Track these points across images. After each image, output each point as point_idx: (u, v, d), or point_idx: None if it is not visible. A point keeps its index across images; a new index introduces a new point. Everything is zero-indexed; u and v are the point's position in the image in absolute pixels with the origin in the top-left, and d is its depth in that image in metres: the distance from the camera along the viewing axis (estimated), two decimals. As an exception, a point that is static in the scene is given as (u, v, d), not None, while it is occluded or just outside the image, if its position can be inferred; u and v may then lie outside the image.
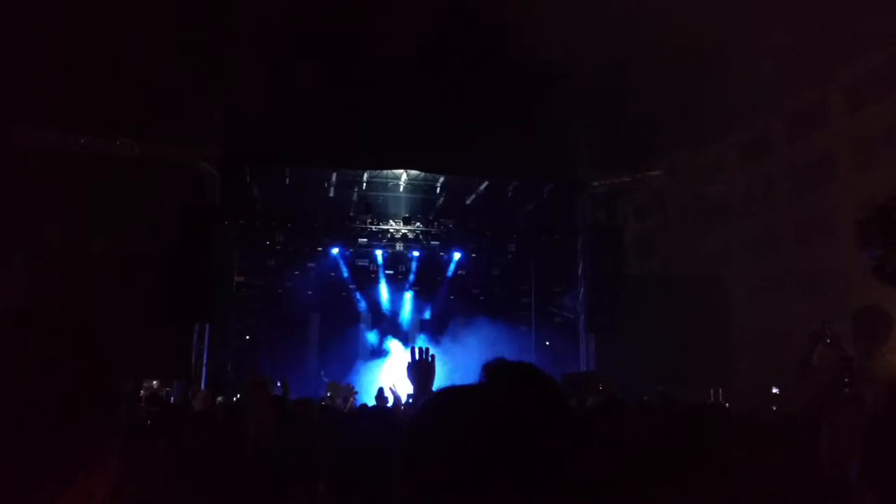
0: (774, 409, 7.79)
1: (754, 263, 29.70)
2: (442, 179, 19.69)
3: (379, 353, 20.70)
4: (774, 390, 11.37)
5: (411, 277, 21.63)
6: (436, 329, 21.46)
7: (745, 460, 2.44)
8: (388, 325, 21.64)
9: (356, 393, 10.74)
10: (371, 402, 9.86)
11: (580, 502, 2.05)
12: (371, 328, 21.57)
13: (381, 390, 10.43)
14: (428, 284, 21.83)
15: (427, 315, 22.07)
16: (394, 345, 20.76)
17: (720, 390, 17.95)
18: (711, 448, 2.43)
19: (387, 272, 21.53)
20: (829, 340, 4.27)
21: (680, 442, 2.48)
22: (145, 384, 16.60)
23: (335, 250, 20.66)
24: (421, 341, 20.71)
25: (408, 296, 21.90)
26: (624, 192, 22.73)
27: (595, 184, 19.44)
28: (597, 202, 19.79)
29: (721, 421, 2.61)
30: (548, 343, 20.27)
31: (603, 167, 19.42)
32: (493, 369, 1.91)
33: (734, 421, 2.71)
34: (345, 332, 20.87)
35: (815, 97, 27.98)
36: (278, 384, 8.32)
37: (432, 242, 20.81)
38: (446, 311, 21.87)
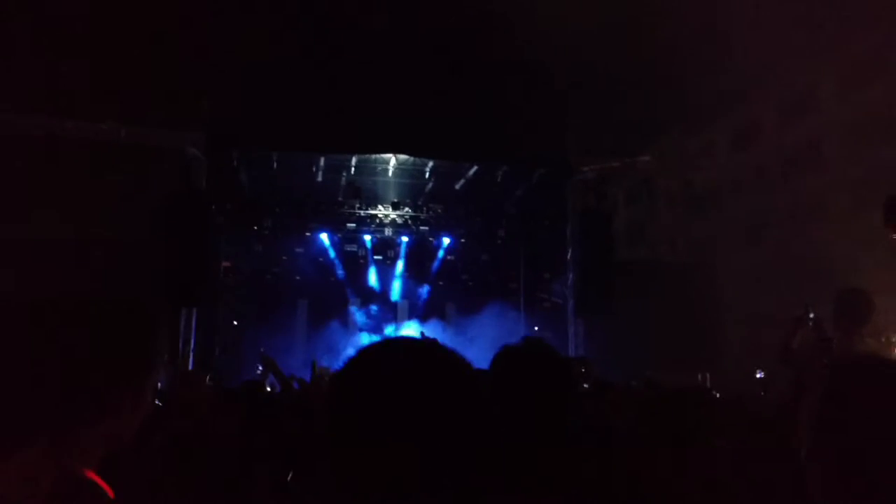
0: (763, 393, 7.79)
1: (743, 249, 29.80)
2: (431, 164, 19.59)
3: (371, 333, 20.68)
4: (759, 374, 11.43)
5: (400, 262, 21.61)
6: (425, 314, 21.49)
7: (727, 447, 2.40)
8: (378, 309, 21.63)
9: None
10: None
11: (560, 487, 2.02)
12: (360, 313, 21.53)
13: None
14: (417, 269, 21.82)
15: (417, 300, 22.05)
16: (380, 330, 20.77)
17: (708, 375, 18.02)
18: (694, 433, 2.39)
19: (376, 257, 21.50)
20: (810, 324, 4.26)
21: (663, 426, 2.44)
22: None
23: (323, 235, 20.59)
24: (412, 326, 20.77)
25: (397, 282, 21.88)
26: (613, 178, 22.72)
27: (585, 169, 19.41)
28: (586, 188, 19.77)
29: (704, 406, 2.58)
30: (536, 328, 20.27)
31: (592, 152, 19.38)
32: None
33: (717, 406, 2.68)
34: (334, 317, 20.83)
35: (805, 83, 27.99)
36: (259, 368, 8.26)
37: (421, 227, 20.78)
38: (436, 296, 21.90)
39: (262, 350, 8.83)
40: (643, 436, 2.36)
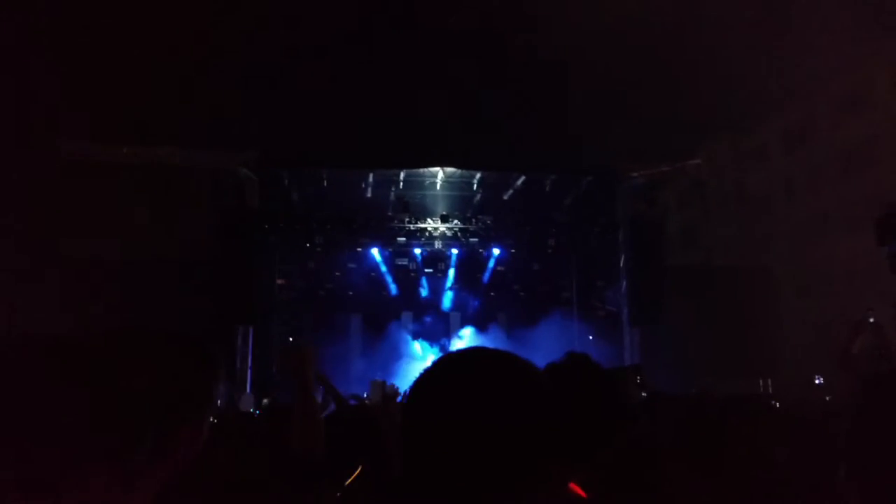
0: (827, 398, 7.60)
1: (800, 252, 29.06)
2: (479, 176, 19.63)
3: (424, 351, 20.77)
4: (818, 380, 11.13)
5: (451, 275, 21.65)
6: (478, 325, 21.48)
7: (786, 454, 2.38)
8: (431, 321, 21.70)
9: (399, 393, 10.73)
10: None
11: (613, 495, 2.03)
12: (413, 325, 21.62)
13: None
14: (468, 281, 21.83)
15: (469, 311, 22.05)
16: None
17: (769, 381, 17.61)
18: (751, 441, 2.38)
19: (426, 270, 21.59)
20: (870, 328, 4.16)
21: (717, 434, 2.43)
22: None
23: (374, 250, 20.77)
24: (468, 333, 20.85)
25: (448, 294, 21.93)
26: (664, 183, 22.43)
27: (634, 175, 19.22)
28: (636, 194, 19.57)
29: (761, 413, 2.56)
30: (591, 337, 20.09)
31: (641, 158, 19.20)
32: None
33: (775, 413, 2.65)
34: (387, 330, 20.96)
35: (857, 79, 27.25)
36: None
37: (471, 239, 20.78)
38: (488, 307, 21.86)
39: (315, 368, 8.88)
40: (694, 446, 2.35)
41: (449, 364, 1.27)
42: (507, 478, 1.12)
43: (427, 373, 1.25)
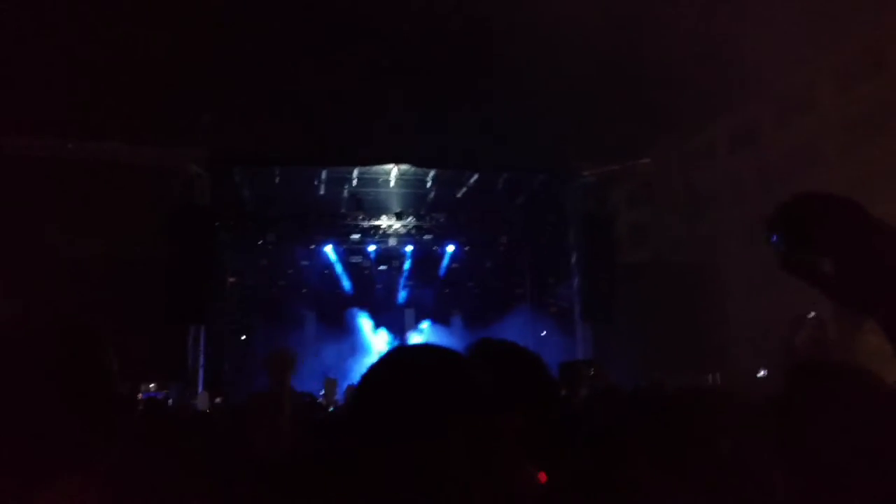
0: (769, 391, 7.79)
1: (747, 248, 29.78)
2: (432, 173, 19.66)
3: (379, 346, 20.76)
4: (761, 373, 11.45)
5: (405, 272, 21.68)
6: (432, 321, 21.59)
7: (729, 446, 2.46)
8: (386, 320, 21.69)
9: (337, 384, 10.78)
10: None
11: (569, 489, 2.08)
12: (368, 323, 21.59)
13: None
14: (423, 278, 21.89)
15: (424, 309, 22.11)
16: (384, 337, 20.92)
17: (717, 376, 18.02)
18: (696, 433, 2.45)
19: (381, 268, 21.57)
20: (812, 323, 4.31)
21: (669, 426, 2.50)
22: (143, 387, 16.68)
23: (328, 247, 20.67)
24: (425, 328, 20.91)
25: (403, 292, 21.96)
26: (614, 182, 22.78)
27: (585, 174, 19.46)
28: (587, 192, 19.82)
29: (706, 406, 2.63)
30: (544, 333, 20.30)
31: (592, 157, 19.44)
32: (476, 348, 1.91)
33: (720, 405, 2.74)
34: (340, 328, 20.90)
35: (802, 79, 28.03)
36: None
37: (425, 237, 20.83)
38: (442, 304, 21.97)
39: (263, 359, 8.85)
40: (644, 437, 2.42)
41: (399, 354, 1.32)
42: (451, 464, 1.14)
43: (379, 363, 1.28)
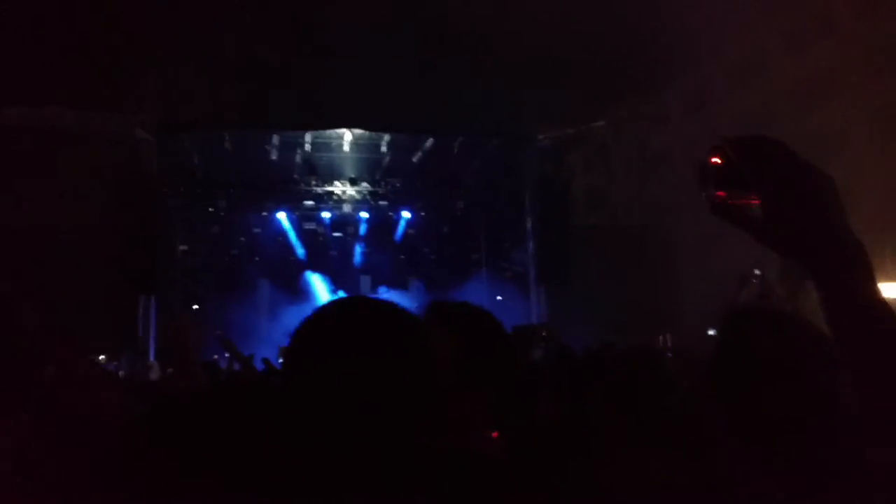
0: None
1: (699, 211, 30.10)
2: (387, 138, 19.44)
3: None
4: (710, 332, 11.67)
5: (360, 238, 21.52)
6: (388, 288, 21.50)
7: (677, 403, 2.45)
8: (341, 285, 21.55)
9: None
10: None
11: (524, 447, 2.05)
12: (323, 289, 21.43)
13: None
14: (378, 244, 21.76)
15: (379, 275, 22.01)
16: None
17: (668, 336, 18.33)
18: (646, 390, 2.43)
19: (335, 234, 21.37)
20: (755, 281, 4.35)
21: (615, 387, 2.48)
22: (92, 358, 16.35)
23: (281, 214, 20.37)
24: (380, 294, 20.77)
25: (358, 258, 21.81)
26: (570, 146, 22.80)
27: (540, 137, 19.46)
28: (543, 156, 19.84)
29: (655, 363, 2.63)
30: (499, 298, 20.41)
31: (548, 121, 19.40)
32: (430, 310, 1.89)
33: (667, 364, 2.75)
34: (295, 295, 20.70)
35: (753, 44, 28.29)
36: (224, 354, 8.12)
37: (380, 202, 20.67)
38: (398, 269, 21.89)
39: (218, 332, 8.73)
40: (596, 397, 2.40)
41: (334, 307, 1.30)
42: (391, 414, 1.12)
43: (312, 315, 1.27)
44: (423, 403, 1.15)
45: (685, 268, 21.41)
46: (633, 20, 20.57)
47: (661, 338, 18.22)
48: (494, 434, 1.89)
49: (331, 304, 1.33)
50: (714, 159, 1.14)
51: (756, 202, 1.09)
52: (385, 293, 21.27)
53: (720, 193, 1.15)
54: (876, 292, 1.00)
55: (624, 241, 20.38)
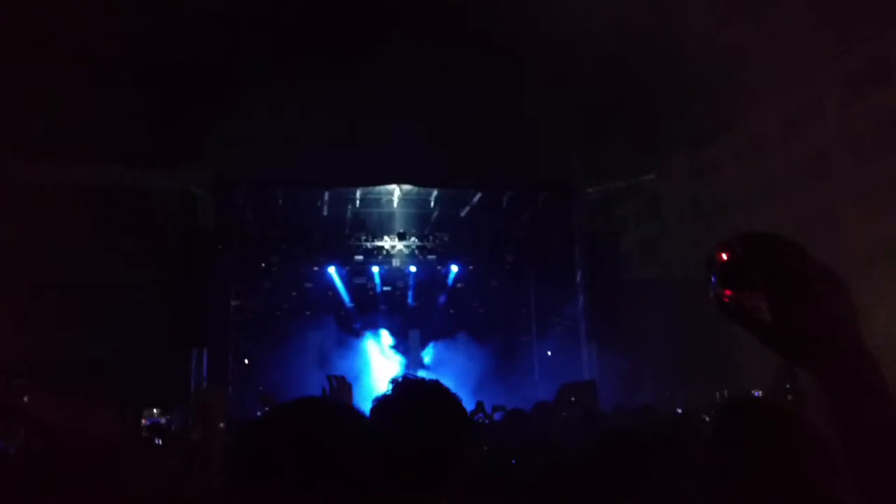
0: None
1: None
2: (435, 192, 19.61)
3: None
4: (756, 394, 11.24)
5: (410, 293, 21.54)
6: (437, 342, 21.39)
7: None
8: (392, 340, 21.54)
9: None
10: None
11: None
12: (372, 344, 21.42)
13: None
14: (427, 299, 21.74)
15: (429, 329, 21.93)
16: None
17: (726, 393, 17.72)
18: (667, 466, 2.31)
19: (385, 288, 21.44)
20: (782, 372, 4.16)
21: (633, 457, 2.37)
22: (146, 412, 16.57)
23: (332, 269, 20.56)
24: (426, 353, 20.70)
25: (407, 312, 21.80)
26: (621, 198, 22.63)
27: (590, 190, 19.35)
28: (593, 209, 19.69)
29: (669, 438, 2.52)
30: (549, 353, 20.10)
31: (597, 173, 19.32)
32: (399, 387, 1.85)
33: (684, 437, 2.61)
34: (345, 349, 20.71)
35: (808, 93, 27.84)
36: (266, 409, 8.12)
37: (429, 257, 20.71)
38: (447, 324, 21.76)
39: (260, 388, 8.81)
40: (598, 472, 2.28)
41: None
42: None
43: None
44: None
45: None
46: (681, 73, 20.48)
47: (717, 395, 17.65)
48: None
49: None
50: (722, 255, 1.09)
51: (765, 304, 1.02)
52: (433, 347, 21.19)
53: (728, 292, 1.08)
54: (886, 410, 0.93)
55: (677, 295, 19.92)
